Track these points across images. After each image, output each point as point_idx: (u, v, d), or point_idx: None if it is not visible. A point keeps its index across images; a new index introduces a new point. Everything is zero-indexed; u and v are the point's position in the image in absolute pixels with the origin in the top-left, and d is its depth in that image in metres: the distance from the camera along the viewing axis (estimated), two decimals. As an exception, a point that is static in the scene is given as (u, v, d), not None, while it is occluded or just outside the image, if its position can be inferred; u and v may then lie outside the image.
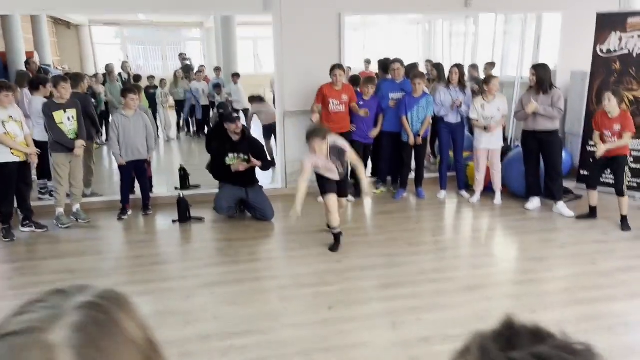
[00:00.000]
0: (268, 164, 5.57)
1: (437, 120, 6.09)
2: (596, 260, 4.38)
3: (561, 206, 5.55)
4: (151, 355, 0.66)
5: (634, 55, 5.86)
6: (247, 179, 5.55)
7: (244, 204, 5.61)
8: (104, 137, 8.76)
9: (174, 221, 5.55)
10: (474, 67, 8.90)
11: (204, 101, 10.74)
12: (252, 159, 5.35)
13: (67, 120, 5.41)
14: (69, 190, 5.55)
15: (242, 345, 3.17)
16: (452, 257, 4.63)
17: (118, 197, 6.08)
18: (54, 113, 5.24)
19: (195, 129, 11.18)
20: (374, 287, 3.95)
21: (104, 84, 10.26)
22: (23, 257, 4.72)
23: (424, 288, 3.96)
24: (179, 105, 11.24)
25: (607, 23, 6.01)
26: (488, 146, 5.79)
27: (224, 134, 5.66)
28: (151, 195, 5.99)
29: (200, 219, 5.57)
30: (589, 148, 6.27)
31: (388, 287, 3.94)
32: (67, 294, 0.64)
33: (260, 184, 5.70)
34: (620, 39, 5.93)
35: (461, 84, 5.96)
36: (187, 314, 3.56)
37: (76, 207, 5.64)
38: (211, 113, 11.21)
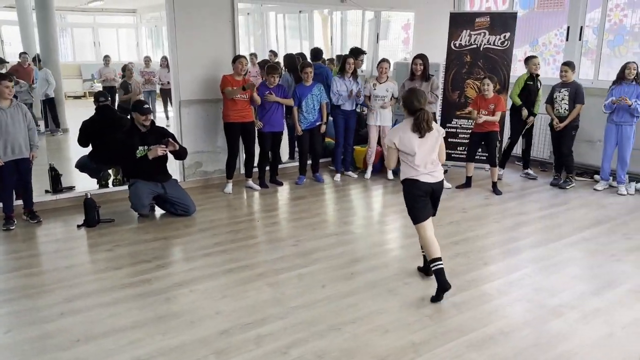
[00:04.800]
0: (184, 150, 5.30)
1: (332, 108, 6.48)
2: (498, 219, 5.28)
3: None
4: None
5: (481, 49, 7.02)
6: (162, 172, 5.22)
7: (159, 200, 5.25)
8: None
9: (79, 226, 4.94)
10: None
11: None
12: (171, 141, 5.05)
13: None
14: None
15: (269, 332, 3.13)
16: (390, 230, 5.09)
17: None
18: None
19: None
20: (345, 263, 4.16)
21: None
22: None
23: (387, 257, 4.33)
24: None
25: (459, 21, 7.07)
26: (378, 123, 6.42)
27: (127, 126, 5.22)
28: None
29: (110, 221, 5.05)
30: (447, 129, 7.32)
31: (358, 261, 4.20)
32: None
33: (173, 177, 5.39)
34: (470, 35, 7.04)
35: (354, 74, 6.44)
36: (184, 314, 3.33)
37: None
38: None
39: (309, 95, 6.22)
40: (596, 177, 6.54)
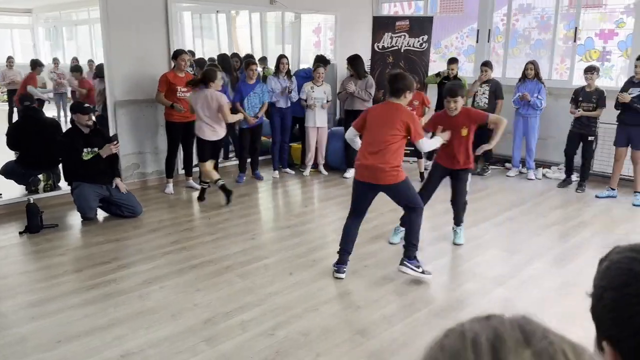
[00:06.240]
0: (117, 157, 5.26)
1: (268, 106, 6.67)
2: (431, 205, 5.69)
3: None
4: None
5: (402, 50, 7.53)
6: (107, 174, 5.13)
7: (104, 202, 5.15)
8: None
9: (21, 233, 4.74)
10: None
11: None
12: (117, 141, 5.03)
13: None
14: None
15: (251, 318, 3.29)
16: (336, 221, 5.34)
17: None
18: None
19: None
20: (305, 252, 4.38)
21: None
22: None
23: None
24: None
25: (381, 25, 7.54)
26: (316, 124, 6.69)
27: (68, 129, 5.09)
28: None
29: (54, 226, 4.89)
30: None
31: (316, 250, 4.44)
32: None
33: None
34: (392, 38, 7.53)
35: (288, 74, 6.66)
36: (162, 309, 3.39)
37: None
38: None
39: (252, 93, 6.34)
40: (507, 164, 7.29)
